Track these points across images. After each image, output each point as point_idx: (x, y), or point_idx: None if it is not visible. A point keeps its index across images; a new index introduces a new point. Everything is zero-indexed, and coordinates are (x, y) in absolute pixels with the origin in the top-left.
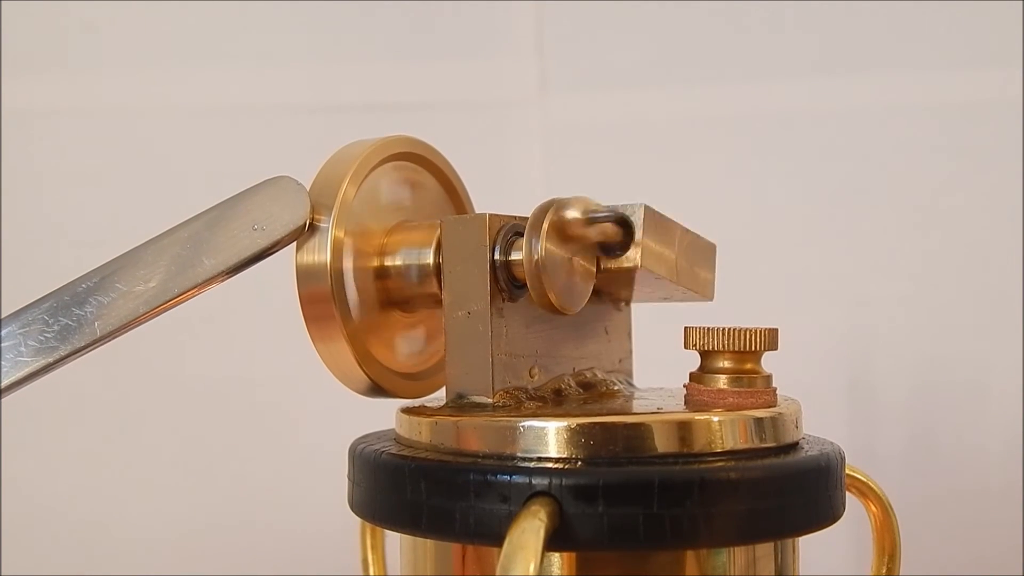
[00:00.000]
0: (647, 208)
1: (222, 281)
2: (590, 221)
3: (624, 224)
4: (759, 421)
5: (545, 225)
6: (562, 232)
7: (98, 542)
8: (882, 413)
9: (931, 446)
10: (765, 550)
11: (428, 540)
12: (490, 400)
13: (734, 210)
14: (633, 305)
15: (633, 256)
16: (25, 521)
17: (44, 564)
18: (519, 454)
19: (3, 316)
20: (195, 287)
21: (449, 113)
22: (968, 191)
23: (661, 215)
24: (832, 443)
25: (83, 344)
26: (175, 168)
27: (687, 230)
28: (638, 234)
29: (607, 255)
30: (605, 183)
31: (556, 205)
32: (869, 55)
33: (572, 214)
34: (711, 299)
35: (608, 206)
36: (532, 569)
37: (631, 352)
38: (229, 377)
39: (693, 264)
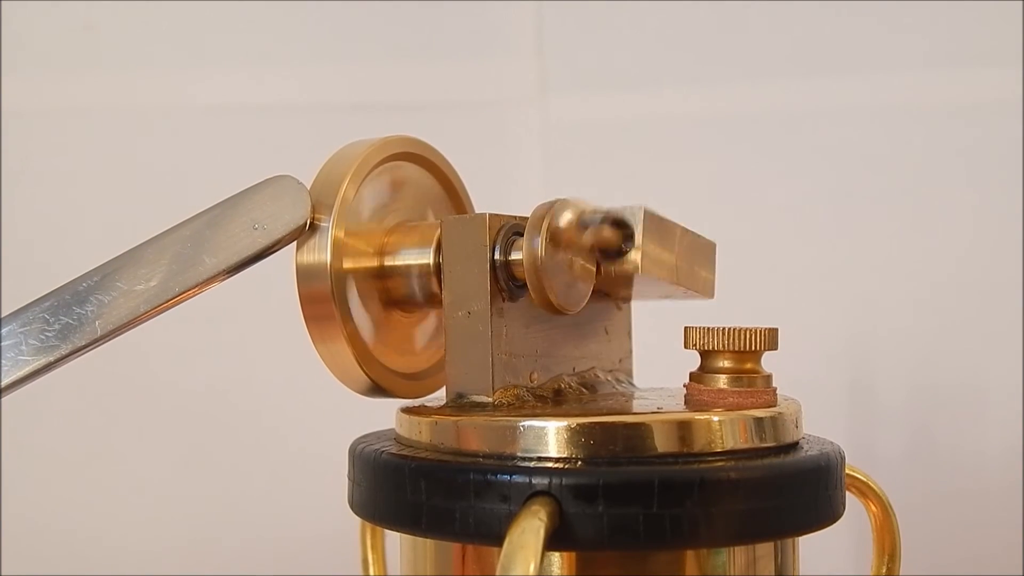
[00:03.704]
0: (647, 211)
1: (223, 280)
2: (583, 225)
3: (621, 226)
4: (759, 421)
5: (545, 225)
6: (557, 239)
7: (97, 543)
8: (882, 413)
9: (931, 446)
10: (765, 550)
11: (428, 540)
12: (490, 400)
13: (734, 210)
14: (633, 305)
15: (633, 260)
16: (22, 524)
17: (43, 565)
18: (519, 454)
19: (4, 315)
20: (196, 286)
21: (449, 113)
22: (968, 191)
23: (661, 217)
24: (832, 443)
25: (84, 343)
26: (175, 167)
27: (687, 230)
28: (638, 238)
29: (606, 259)
30: (605, 183)
31: (555, 207)
32: (869, 55)
33: (565, 219)
34: (711, 297)
35: (608, 208)
36: (532, 569)
37: (631, 352)
38: (229, 377)
39: (693, 264)
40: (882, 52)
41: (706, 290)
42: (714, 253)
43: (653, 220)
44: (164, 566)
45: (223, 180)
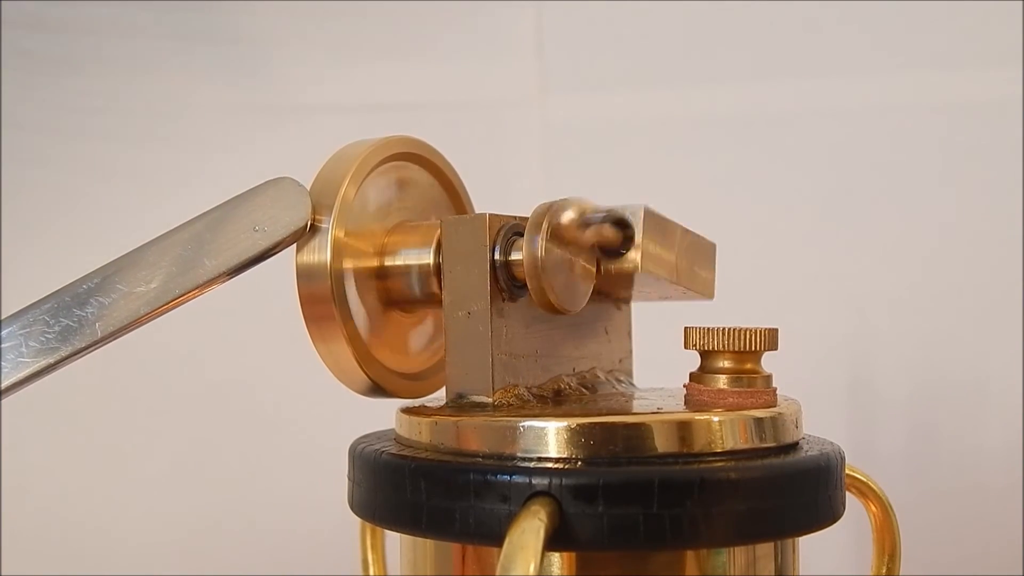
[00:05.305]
0: (647, 210)
1: (223, 282)
2: (585, 224)
3: (622, 225)
4: (759, 421)
5: (545, 225)
6: (558, 236)
7: (97, 543)
8: (882, 413)
9: (931, 446)
10: (765, 550)
11: (428, 540)
12: (490, 400)
13: (734, 210)
14: (633, 305)
15: (633, 258)
16: (24, 522)
17: (43, 565)
18: (519, 454)
19: (4, 316)
20: (196, 288)
21: (449, 113)
22: (968, 191)
23: (661, 217)
24: (832, 443)
25: (84, 345)
26: (175, 168)
27: (687, 230)
28: (638, 236)
29: (607, 257)
30: (605, 183)
31: (555, 206)
32: (869, 55)
33: (567, 217)
34: (711, 298)
35: (609, 207)
36: (532, 569)
37: (631, 352)
38: (229, 377)
39: (693, 264)
40: (882, 52)
41: (706, 290)
42: (714, 254)
43: (653, 219)
44: (163, 566)
45: (223, 181)
